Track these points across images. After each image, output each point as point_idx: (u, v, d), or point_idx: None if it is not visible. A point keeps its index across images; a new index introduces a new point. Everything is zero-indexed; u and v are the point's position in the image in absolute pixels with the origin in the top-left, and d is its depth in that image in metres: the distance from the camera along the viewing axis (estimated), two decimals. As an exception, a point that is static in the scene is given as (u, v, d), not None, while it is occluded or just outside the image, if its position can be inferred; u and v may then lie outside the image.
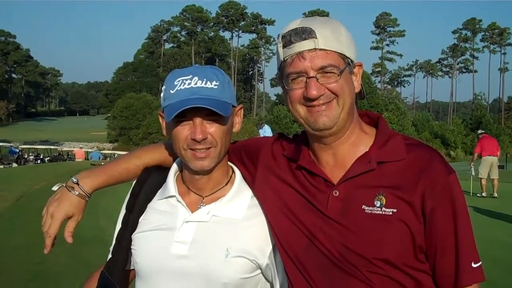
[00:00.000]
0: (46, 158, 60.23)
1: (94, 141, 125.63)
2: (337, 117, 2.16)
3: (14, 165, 50.29)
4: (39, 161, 57.37)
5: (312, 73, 2.12)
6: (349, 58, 2.18)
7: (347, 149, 2.25)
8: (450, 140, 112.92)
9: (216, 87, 2.31)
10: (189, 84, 2.30)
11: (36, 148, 68.97)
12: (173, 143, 2.38)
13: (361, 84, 2.29)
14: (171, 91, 2.31)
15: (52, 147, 75.88)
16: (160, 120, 2.47)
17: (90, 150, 70.98)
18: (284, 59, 2.19)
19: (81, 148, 58.37)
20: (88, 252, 10.28)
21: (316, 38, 2.11)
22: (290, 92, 2.20)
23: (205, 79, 2.31)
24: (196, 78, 2.30)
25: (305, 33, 2.12)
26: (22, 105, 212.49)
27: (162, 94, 2.40)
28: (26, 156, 59.96)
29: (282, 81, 2.23)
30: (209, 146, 2.31)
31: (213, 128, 2.31)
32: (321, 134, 2.22)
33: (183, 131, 2.30)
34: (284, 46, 2.18)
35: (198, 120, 2.28)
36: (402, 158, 2.17)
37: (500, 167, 24.70)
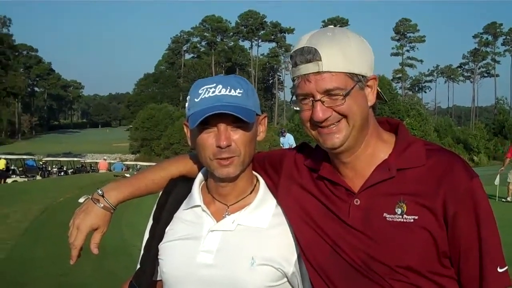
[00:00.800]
0: (70, 170, 60.67)
1: (116, 153, 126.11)
2: (346, 137, 2.14)
3: (38, 177, 50.63)
4: (62, 173, 57.78)
5: (318, 96, 2.10)
6: (359, 75, 2.13)
7: (365, 160, 2.24)
8: (473, 145, 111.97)
9: (240, 94, 2.32)
10: (213, 92, 2.31)
11: (60, 161, 69.45)
12: (198, 151, 2.40)
13: (379, 91, 2.26)
14: (196, 100, 2.33)
15: (75, 159, 76.33)
16: (185, 129, 2.49)
17: (112, 161, 71.14)
18: (293, 79, 2.19)
19: (104, 159, 58.62)
20: (112, 263, 10.36)
21: (320, 60, 2.07)
22: (300, 112, 2.20)
23: (229, 87, 2.32)
24: (220, 86, 2.32)
25: (310, 54, 2.09)
26: (45, 118, 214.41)
27: (187, 104, 2.41)
28: (49, 169, 60.37)
29: (296, 100, 2.23)
30: (232, 155, 2.32)
31: (237, 135, 2.31)
32: (334, 152, 2.21)
33: (208, 138, 2.31)
34: (292, 66, 2.18)
35: (222, 126, 2.29)
36: (422, 164, 2.14)
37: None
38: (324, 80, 2.08)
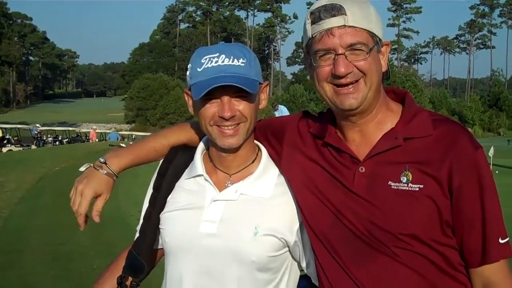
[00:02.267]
0: (65, 140, 60.41)
1: (111, 122, 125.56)
2: (364, 98, 2.15)
3: (33, 147, 50.55)
4: (57, 143, 57.52)
5: (340, 50, 2.11)
6: (377, 37, 2.17)
7: (373, 126, 2.25)
8: (467, 117, 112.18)
9: (243, 64, 2.31)
10: (216, 62, 2.29)
11: (55, 130, 69.15)
12: (200, 120, 2.39)
13: (387, 64, 2.28)
14: (198, 69, 2.31)
15: (70, 128, 76.02)
16: (186, 98, 2.48)
17: (107, 131, 71.09)
18: (312, 35, 2.17)
19: (94, 129, 58.48)
20: (109, 233, 10.40)
21: (345, 15, 2.09)
22: (317, 69, 2.19)
23: (232, 57, 2.30)
24: (223, 56, 2.30)
25: (335, 10, 2.10)
26: (40, 87, 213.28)
27: (188, 72, 2.40)
28: (44, 138, 60.22)
29: (310, 58, 2.22)
30: (238, 122, 2.32)
31: (241, 106, 2.31)
32: (347, 114, 2.21)
33: (211, 108, 2.31)
34: (312, 23, 2.16)
35: (226, 98, 2.28)
36: (429, 134, 2.16)
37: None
38: (349, 34, 2.11)
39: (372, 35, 2.14)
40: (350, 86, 2.14)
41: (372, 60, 2.14)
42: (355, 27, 2.11)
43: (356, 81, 2.14)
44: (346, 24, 2.10)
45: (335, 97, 2.18)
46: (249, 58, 2.36)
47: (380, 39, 2.19)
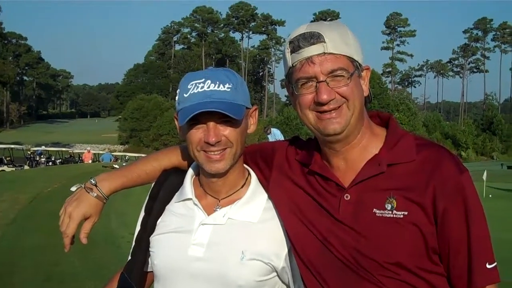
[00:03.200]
0: (58, 160, 60.36)
1: (105, 143, 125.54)
2: (347, 122, 2.15)
3: (26, 167, 50.46)
4: (50, 163, 57.47)
5: (322, 77, 2.12)
6: (357, 62, 2.18)
7: (358, 152, 2.25)
8: (461, 140, 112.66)
9: (229, 89, 2.33)
10: (202, 87, 2.31)
11: (48, 150, 69.10)
12: (187, 145, 2.41)
13: (369, 88, 2.29)
14: (185, 95, 2.34)
15: (63, 149, 76.04)
16: (176, 122, 2.49)
17: (101, 152, 70.97)
18: (292, 64, 2.18)
19: (88, 150, 58.37)
20: (100, 254, 10.39)
21: (324, 42, 2.10)
22: (299, 97, 2.20)
23: (218, 82, 2.32)
24: (209, 81, 2.32)
25: (314, 38, 2.12)
26: (34, 107, 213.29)
27: (176, 98, 2.42)
28: (37, 159, 60.13)
29: (291, 86, 2.23)
30: (225, 147, 2.33)
31: (227, 131, 2.32)
32: (330, 139, 2.21)
33: (197, 134, 2.33)
34: (292, 52, 2.18)
35: (211, 123, 2.30)
36: (412, 159, 2.15)
37: (511, 167, 24.61)
38: (329, 61, 2.11)
39: (352, 60, 2.15)
40: (333, 112, 2.14)
41: (354, 85, 2.15)
42: (335, 53, 2.11)
43: (339, 106, 2.14)
44: (326, 51, 2.10)
45: (318, 123, 2.19)
46: (235, 83, 2.37)
47: (360, 64, 2.20)
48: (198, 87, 2.32)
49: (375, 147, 2.23)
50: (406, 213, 2.08)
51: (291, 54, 2.18)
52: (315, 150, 2.38)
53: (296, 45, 2.14)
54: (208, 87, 2.31)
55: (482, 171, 23.54)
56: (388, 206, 2.11)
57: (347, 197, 2.21)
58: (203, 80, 2.33)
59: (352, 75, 2.13)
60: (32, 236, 13.85)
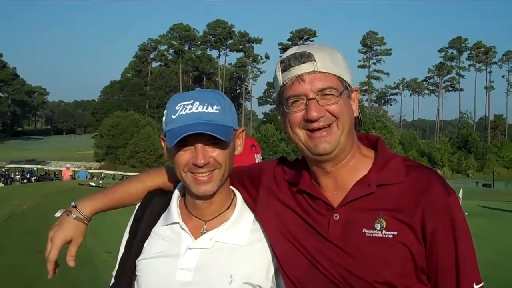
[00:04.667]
0: (33, 178, 59.88)
1: (81, 160, 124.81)
2: (337, 142, 2.18)
3: (1, 184, 50.01)
4: (25, 181, 57.05)
5: (311, 95, 2.14)
6: (346, 82, 2.21)
7: (347, 172, 2.26)
8: (437, 158, 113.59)
9: (217, 111, 2.32)
10: (190, 109, 2.30)
11: (23, 168, 68.55)
12: (174, 167, 2.39)
13: (358, 110, 2.31)
14: (173, 116, 2.32)
15: (38, 166, 75.44)
16: (162, 143, 2.47)
17: (77, 169, 70.49)
18: (283, 83, 2.21)
19: (68, 167, 58.01)
20: (76, 273, 10.23)
21: (315, 61, 2.14)
22: (289, 115, 2.22)
23: (206, 104, 2.31)
24: (197, 102, 2.31)
25: (304, 57, 2.16)
26: (9, 124, 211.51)
27: (164, 119, 2.41)
28: (12, 176, 59.66)
29: (282, 104, 2.25)
30: (213, 168, 2.32)
31: (215, 153, 2.31)
32: (321, 158, 2.23)
33: (185, 155, 2.31)
34: (283, 71, 2.21)
35: (200, 145, 2.29)
36: (402, 181, 2.17)
37: (486, 185, 24.83)
38: (319, 79, 2.15)
39: (341, 80, 2.19)
40: (323, 130, 2.17)
41: (343, 104, 2.17)
42: (324, 72, 2.15)
43: (329, 125, 2.16)
44: (316, 70, 2.14)
45: (309, 142, 2.20)
46: (223, 105, 2.37)
47: (349, 85, 2.22)
48: (186, 108, 2.31)
49: (364, 168, 2.25)
50: (395, 233, 2.12)
51: (282, 73, 2.22)
52: (304, 170, 2.39)
53: (287, 64, 2.19)
54: (197, 108, 2.30)
55: (458, 189, 23.70)
56: (378, 226, 2.14)
57: (336, 216, 2.22)
58: (191, 101, 2.32)
59: (341, 94, 2.16)
60: (6, 254, 13.66)
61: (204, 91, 2.43)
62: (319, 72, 2.16)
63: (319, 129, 2.17)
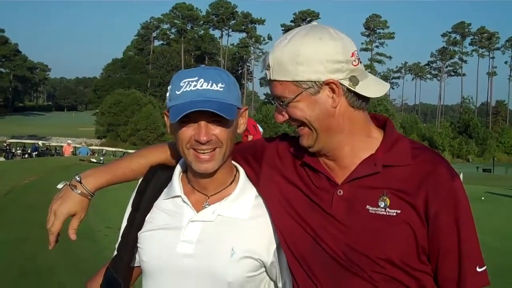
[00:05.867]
0: (34, 153, 59.82)
1: (82, 137, 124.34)
2: (313, 140, 2.22)
3: (1, 159, 50.00)
4: (26, 156, 56.99)
5: (275, 100, 2.25)
6: (308, 82, 2.15)
7: (346, 155, 2.26)
8: (437, 142, 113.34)
9: (221, 89, 2.32)
10: (195, 86, 2.30)
11: (24, 143, 68.44)
12: (177, 143, 2.40)
13: (353, 91, 2.19)
14: (177, 92, 2.32)
15: (40, 141, 75.32)
16: (165, 119, 2.47)
17: (78, 145, 70.27)
18: None
19: (69, 143, 57.95)
20: (78, 248, 10.30)
21: (269, 69, 2.20)
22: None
23: (211, 81, 2.31)
24: (202, 80, 2.31)
25: (265, 62, 2.23)
26: (10, 99, 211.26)
27: (167, 94, 2.41)
28: (13, 151, 59.60)
29: None
30: (215, 147, 2.33)
31: (217, 130, 2.32)
32: (310, 150, 2.31)
33: (188, 131, 2.31)
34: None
35: (203, 122, 2.29)
36: (408, 163, 2.18)
37: (486, 170, 24.84)
38: (273, 87, 2.22)
39: (298, 83, 2.15)
40: (298, 129, 2.26)
41: (301, 107, 2.18)
42: (277, 80, 2.19)
43: (300, 126, 2.24)
44: (270, 78, 2.21)
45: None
46: (228, 83, 2.37)
47: (316, 82, 2.15)
48: (191, 85, 2.31)
49: (371, 148, 2.25)
50: (399, 211, 2.12)
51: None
52: None
53: (262, 64, 2.27)
54: (201, 85, 2.30)
55: (458, 173, 23.66)
56: (381, 204, 2.15)
57: (340, 192, 2.24)
58: (196, 78, 2.32)
59: (293, 100, 2.18)
60: (7, 229, 13.69)
61: (209, 68, 2.43)
62: (273, 80, 2.21)
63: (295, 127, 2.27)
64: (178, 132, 2.36)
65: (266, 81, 2.26)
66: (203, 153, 2.33)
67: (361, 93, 2.20)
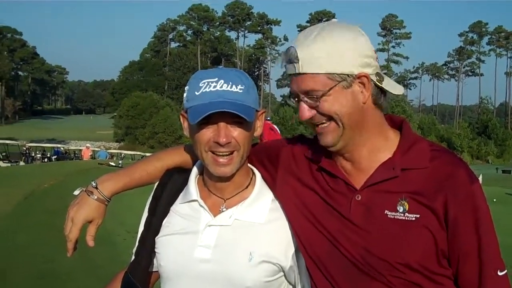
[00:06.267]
0: (53, 157, 60.16)
1: (100, 140, 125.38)
2: (338, 136, 2.17)
3: (22, 163, 50.35)
4: (46, 160, 57.36)
5: (301, 96, 2.16)
6: (341, 74, 2.11)
7: (365, 157, 2.24)
8: (456, 144, 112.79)
9: (241, 91, 2.29)
10: (214, 87, 2.27)
11: (43, 147, 68.90)
12: (194, 144, 2.37)
13: (379, 86, 2.18)
14: (196, 93, 2.29)
15: (59, 145, 75.80)
16: (182, 120, 2.46)
17: (96, 149, 70.75)
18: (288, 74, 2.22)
19: (88, 147, 58.23)
20: (95, 252, 10.31)
21: (297, 62, 2.11)
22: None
23: (230, 83, 2.29)
24: (222, 81, 2.28)
25: (290, 55, 2.13)
26: (29, 103, 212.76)
27: (185, 95, 2.38)
28: (33, 155, 60.00)
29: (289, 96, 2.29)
30: (233, 150, 2.30)
31: (236, 132, 2.29)
32: (330, 149, 2.25)
33: (207, 133, 2.29)
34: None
35: (222, 124, 2.26)
36: (425, 166, 2.15)
37: (505, 171, 24.67)
38: (302, 81, 2.12)
39: (331, 76, 2.10)
40: (322, 125, 2.18)
41: (332, 101, 2.12)
42: (307, 73, 2.11)
43: (329, 122, 2.17)
44: (298, 72, 2.12)
45: (315, 133, 2.24)
46: (247, 85, 2.34)
47: (349, 75, 2.12)
48: (210, 86, 2.28)
49: (388, 151, 2.22)
50: (418, 216, 2.10)
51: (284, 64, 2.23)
52: (324, 148, 2.32)
53: (283, 58, 2.20)
54: (221, 86, 2.27)
55: (478, 175, 23.56)
56: (400, 209, 2.12)
57: (358, 197, 2.21)
58: (216, 79, 2.29)
59: (326, 93, 2.11)
60: (26, 233, 13.76)
61: (229, 69, 2.41)
62: (302, 73, 2.12)
63: (317, 125, 2.19)
64: (196, 134, 2.32)
65: (289, 76, 2.19)
66: (222, 155, 2.31)
67: (387, 89, 2.19)
